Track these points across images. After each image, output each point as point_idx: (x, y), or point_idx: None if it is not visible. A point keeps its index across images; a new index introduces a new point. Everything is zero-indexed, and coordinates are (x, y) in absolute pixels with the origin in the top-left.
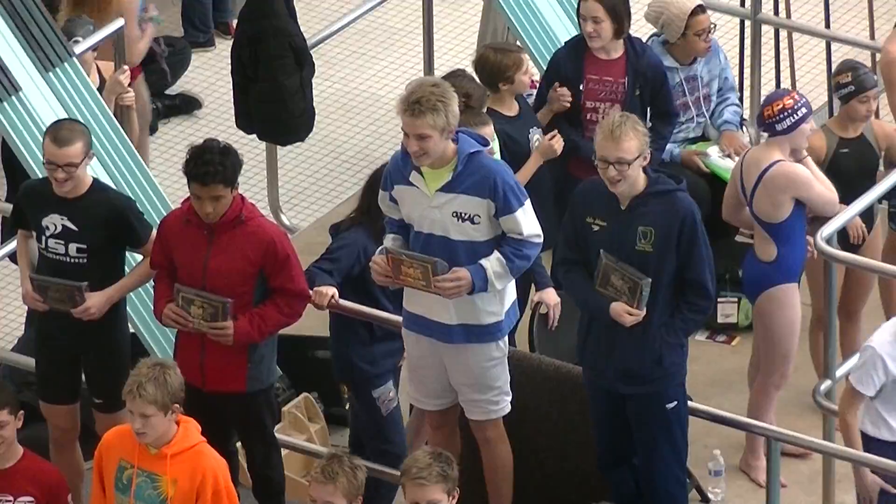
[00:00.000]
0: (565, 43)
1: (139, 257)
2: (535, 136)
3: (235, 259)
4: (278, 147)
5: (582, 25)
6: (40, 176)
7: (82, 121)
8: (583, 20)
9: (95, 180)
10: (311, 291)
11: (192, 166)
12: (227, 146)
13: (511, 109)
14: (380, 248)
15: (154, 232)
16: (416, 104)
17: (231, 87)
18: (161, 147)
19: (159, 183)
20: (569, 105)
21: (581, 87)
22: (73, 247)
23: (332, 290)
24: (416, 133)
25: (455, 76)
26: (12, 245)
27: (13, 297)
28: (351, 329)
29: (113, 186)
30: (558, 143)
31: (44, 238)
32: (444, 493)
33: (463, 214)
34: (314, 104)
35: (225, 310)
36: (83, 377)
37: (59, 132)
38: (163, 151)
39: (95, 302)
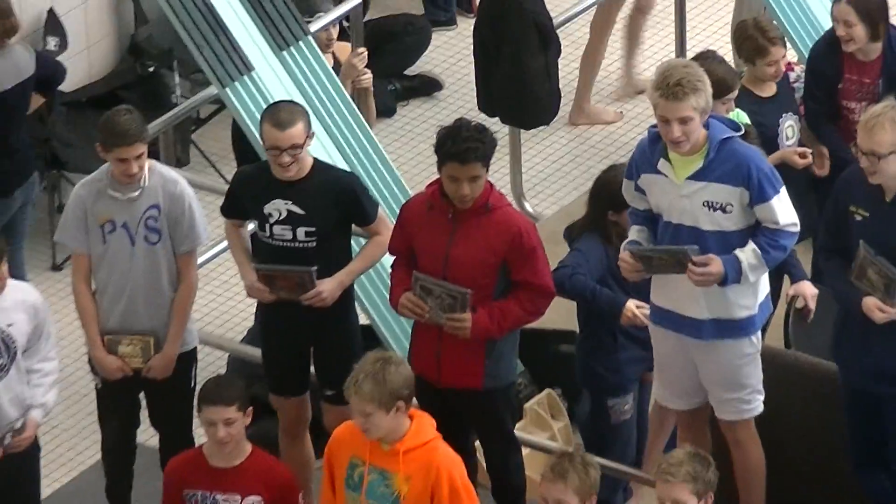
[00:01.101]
0: (822, 37)
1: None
2: (788, 122)
3: (479, 248)
4: (521, 131)
5: (835, 27)
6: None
7: (318, 102)
8: (835, 22)
9: (316, 160)
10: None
11: (448, 144)
12: (482, 125)
13: (766, 90)
14: (625, 241)
15: (380, 210)
16: (677, 86)
17: (473, 68)
18: (400, 130)
19: (397, 168)
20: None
21: (839, 86)
22: (301, 231)
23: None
24: (678, 117)
25: (706, 58)
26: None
27: (241, 288)
28: (595, 338)
29: (343, 167)
30: (803, 161)
31: (267, 226)
32: (691, 493)
33: (714, 204)
34: (560, 86)
35: (464, 301)
36: (312, 368)
37: (278, 115)
38: (401, 135)
39: (327, 287)
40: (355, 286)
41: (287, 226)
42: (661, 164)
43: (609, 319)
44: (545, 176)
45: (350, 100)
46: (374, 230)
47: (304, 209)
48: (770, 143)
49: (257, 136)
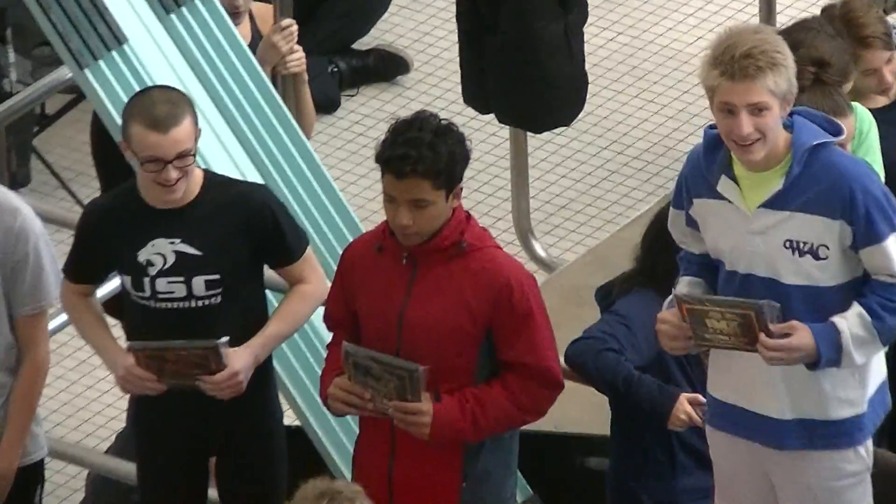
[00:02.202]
0: None
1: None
2: None
3: (449, 309)
4: (528, 135)
5: None
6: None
7: (220, 88)
8: None
9: (207, 172)
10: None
11: (386, 147)
12: (447, 125)
13: (875, 102)
14: (668, 299)
15: (308, 249)
16: (746, 59)
17: (455, 39)
18: (346, 133)
19: (341, 189)
20: None
21: None
22: (198, 282)
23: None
24: (748, 102)
25: (807, 29)
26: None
27: (106, 372)
28: (638, 453)
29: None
30: None
31: (146, 281)
32: None
33: (801, 244)
34: (586, 67)
35: (415, 381)
36: (213, 490)
37: (153, 109)
38: (348, 140)
39: (240, 363)
40: (276, 364)
41: (177, 277)
42: (723, 185)
43: (658, 423)
44: (565, 202)
45: (269, 85)
46: (297, 275)
47: (201, 248)
48: (891, 170)
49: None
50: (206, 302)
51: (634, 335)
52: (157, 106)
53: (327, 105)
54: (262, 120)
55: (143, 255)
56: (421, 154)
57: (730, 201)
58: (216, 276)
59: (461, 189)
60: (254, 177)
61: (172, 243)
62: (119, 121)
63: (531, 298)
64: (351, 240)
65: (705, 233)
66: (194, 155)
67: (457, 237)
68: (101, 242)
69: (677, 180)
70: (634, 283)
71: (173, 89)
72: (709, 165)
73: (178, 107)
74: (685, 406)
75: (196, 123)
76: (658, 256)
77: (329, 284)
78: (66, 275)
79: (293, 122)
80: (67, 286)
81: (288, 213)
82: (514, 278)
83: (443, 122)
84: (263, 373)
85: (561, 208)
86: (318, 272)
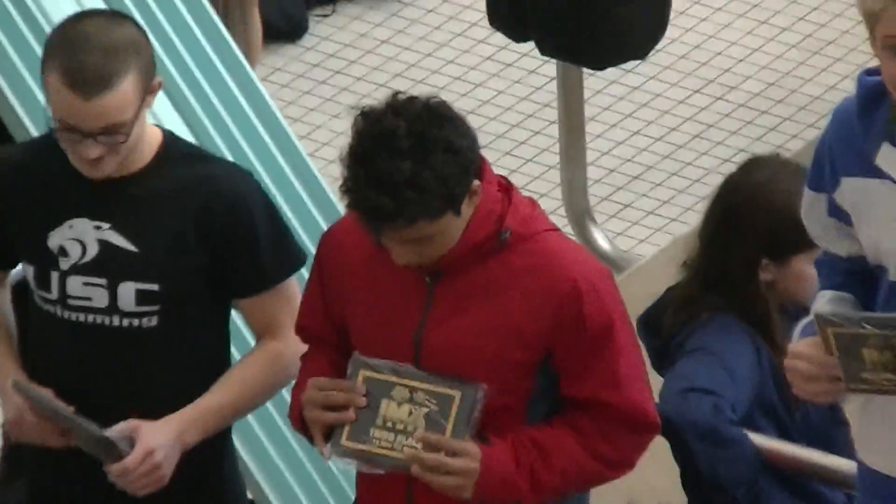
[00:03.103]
0: None
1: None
2: None
3: (487, 329)
4: (585, 73)
5: None
6: (34, 130)
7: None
8: None
9: (167, 134)
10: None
11: (348, 184)
12: (432, 119)
13: None
14: (801, 323)
15: (293, 281)
16: None
17: None
18: (316, 72)
19: (313, 154)
20: None
21: None
22: (126, 290)
23: None
24: None
25: None
26: None
27: None
28: None
29: (206, 149)
30: None
31: (54, 278)
32: None
33: None
34: None
35: (465, 406)
36: None
37: (79, 59)
38: (318, 81)
39: (155, 440)
40: (235, 438)
41: (98, 278)
42: (885, 157)
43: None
44: (637, 172)
45: (208, 6)
46: (267, 316)
47: (138, 241)
48: None
49: (35, 88)
50: (136, 322)
51: (736, 385)
52: (87, 54)
53: (290, 30)
54: (191, 49)
55: (54, 239)
56: (400, 200)
57: (895, 181)
58: (154, 287)
59: (479, 186)
60: (176, 129)
61: (98, 228)
62: (17, 62)
63: (611, 306)
64: (321, 221)
65: (859, 227)
66: (132, 123)
67: (491, 227)
68: (4, 212)
69: (816, 149)
70: (701, 305)
71: (122, 24)
72: (865, 129)
73: (118, 60)
74: None
75: (147, 78)
76: (738, 256)
77: None
78: None
79: (236, 51)
80: None
81: (276, 217)
82: (583, 278)
83: (424, 114)
84: (216, 450)
85: (632, 180)
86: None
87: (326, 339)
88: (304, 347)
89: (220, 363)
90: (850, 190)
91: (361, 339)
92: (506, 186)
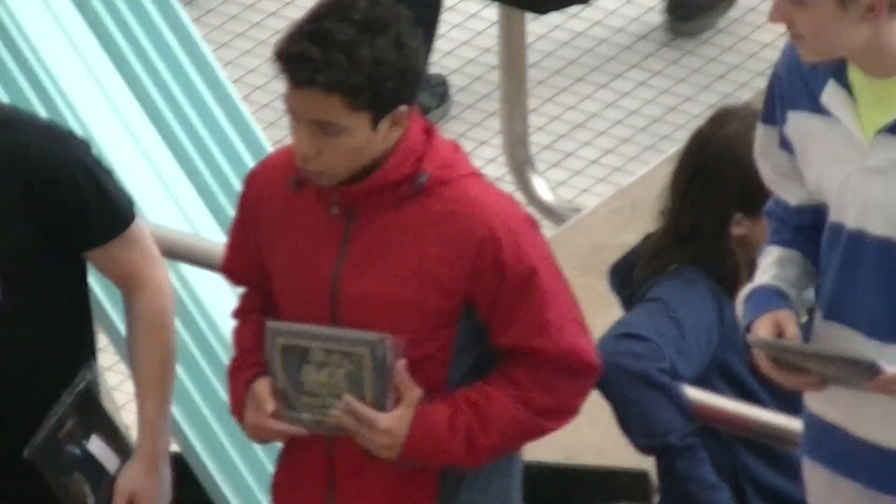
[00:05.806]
0: None
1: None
2: None
3: (404, 275)
4: (528, 18)
5: None
6: None
7: None
8: None
9: None
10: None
11: (284, 40)
12: (389, 16)
13: None
14: (743, 295)
15: (138, 222)
16: None
17: None
18: (248, 13)
19: (246, 97)
20: None
21: None
22: None
23: None
24: None
25: None
26: None
27: None
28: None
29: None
30: None
31: None
32: None
33: None
34: None
35: (377, 359)
36: None
37: None
38: (251, 24)
39: (130, 483)
40: None
41: None
42: (830, 95)
43: (730, 462)
44: (580, 120)
45: None
46: (121, 266)
47: None
48: None
49: None
50: None
51: (685, 339)
52: None
53: None
54: None
55: None
56: (328, 57)
57: (840, 121)
58: None
59: (408, 114)
60: (104, 66)
61: None
62: None
63: (531, 252)
64: (250, 164)
65: (803, 163)
66: None
67: (409, 168)
68: None
69: (768, 82)
70: (670, 258)
71: None
72: (813, 67)
73: None
74: None
75: None
76: (710, 210)
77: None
78: None
79: None
80: None
81: (98, 175)
82: (501, 224)
83: (385, 11)
84: None
85: (575, 128)
86: (155, 260)
87: (253, 281)
88: (167, 282)
89: (81, 325)
90: (797, 124)
91: (281, 287)
92: (428, 128)
